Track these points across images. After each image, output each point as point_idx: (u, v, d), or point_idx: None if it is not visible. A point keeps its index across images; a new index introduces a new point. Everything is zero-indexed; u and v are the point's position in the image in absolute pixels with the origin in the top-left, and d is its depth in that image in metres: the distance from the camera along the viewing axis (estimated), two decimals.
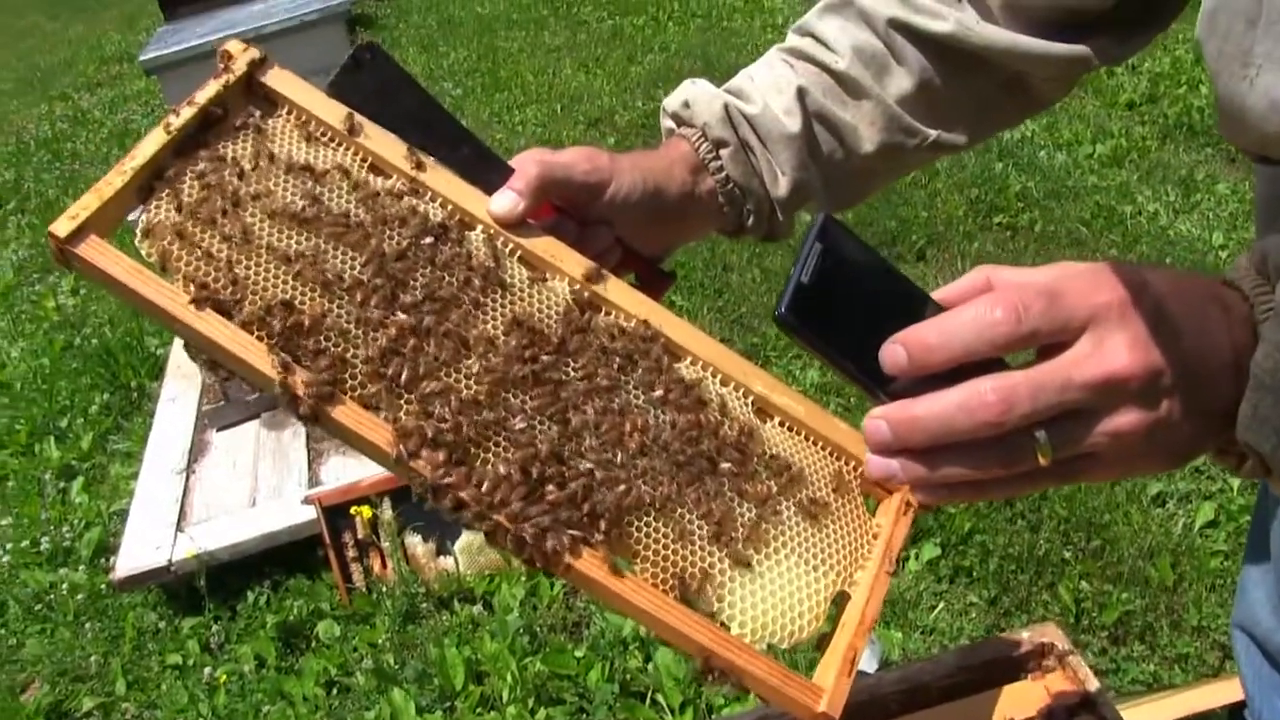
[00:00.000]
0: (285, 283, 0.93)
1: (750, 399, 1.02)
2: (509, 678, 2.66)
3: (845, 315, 0.77)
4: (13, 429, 4.27)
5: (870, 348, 0.75)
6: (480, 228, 1.01)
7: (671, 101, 1.17)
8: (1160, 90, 5.23)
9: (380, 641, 2.90)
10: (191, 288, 0.89)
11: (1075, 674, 1.27)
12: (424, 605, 2.98)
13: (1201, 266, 3.94)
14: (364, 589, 3.04)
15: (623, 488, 0.93)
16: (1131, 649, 2.64)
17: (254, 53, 1.01)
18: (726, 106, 1.13)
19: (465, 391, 0.93)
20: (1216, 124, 1.02)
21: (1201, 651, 2.60)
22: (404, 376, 0.92)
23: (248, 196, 0.96)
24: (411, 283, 0.96)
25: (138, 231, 0.92)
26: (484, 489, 0.90)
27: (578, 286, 1.01)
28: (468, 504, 0.89)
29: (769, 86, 1.14)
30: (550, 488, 0.92)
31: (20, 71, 10.28)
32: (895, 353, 0.73)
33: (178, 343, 4.26)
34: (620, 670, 2.67)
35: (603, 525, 0.92)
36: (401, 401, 0.92)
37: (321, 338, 0.91)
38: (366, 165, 1.02)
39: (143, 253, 0.91)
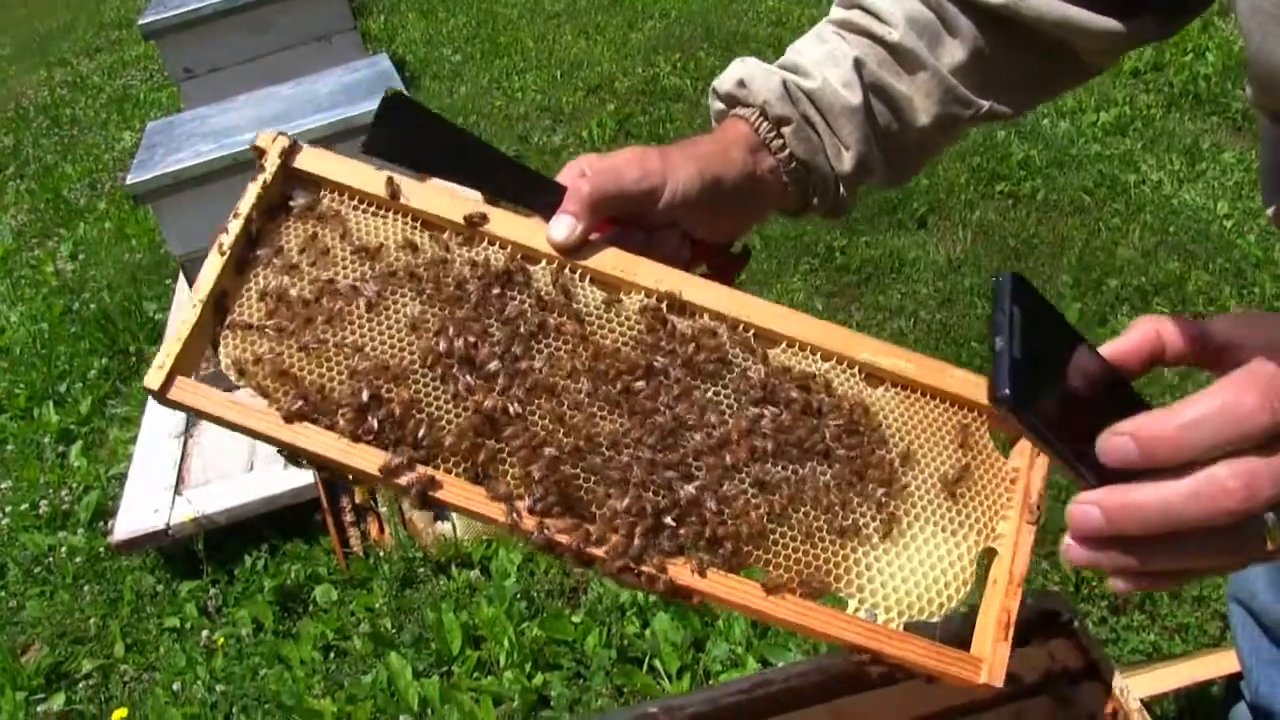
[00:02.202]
0: (369, 377, 0.93)
1: (856, 369, 0.99)
2: (506, 643, 2.66)
3: (1048, 387, 0.69)
4: (12, 393, 4.26)
5: (1071, 420, 0.68)
6: (544, 261, 0.99)
7: (724, 82, 1.13)
8: (1166, 58, 5.18)
9: (377, 606, 2.91)
10: (283, 408, 0.91)
11: (1079, 640, 1.26)
12: (421, 570, 2.98)
13: (1206, 236, 3.91)
14: (361, 554, 3.04)
15: (740, 503, 0.92)
16: (1131, 619, 2.63)
17: (283, 141, 1.00)
18: (784, 83, 1.09)
19: (565, 442, 0.93)
20: (1246, 84, 1.00)
21: (1202, 621, 2.59)
22: (501, 445, 0.92)
23: (312, 298, 0.96)
24: (489, 342, 0.95)
25: (223, 363, 0.94)
26: (604, 538, 0.91)
27: (655, 299, 0.98)
28: (593, 557, 0.90)
29: (824, 60, 1.11)
30: (669, 520, 0.91)
31: (19, 37, 10.21)
32: (1122, 447, 0.66)
33: (176, 307, 4.25)
34: (618, 636, 2.66)
35: (728, 546, 0.91)
36: (505, 467, 0.92)
37: (415, 422, 0.92)
38: (419, 225, 1.01)
39: (242, 386, 0.94)
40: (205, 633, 2.94)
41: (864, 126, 1.10)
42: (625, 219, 1.04)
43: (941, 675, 0.91)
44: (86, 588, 3.23)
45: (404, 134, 0.99)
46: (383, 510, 3.02)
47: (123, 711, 2.69)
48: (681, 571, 0.90)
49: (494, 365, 0.94)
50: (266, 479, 3.15)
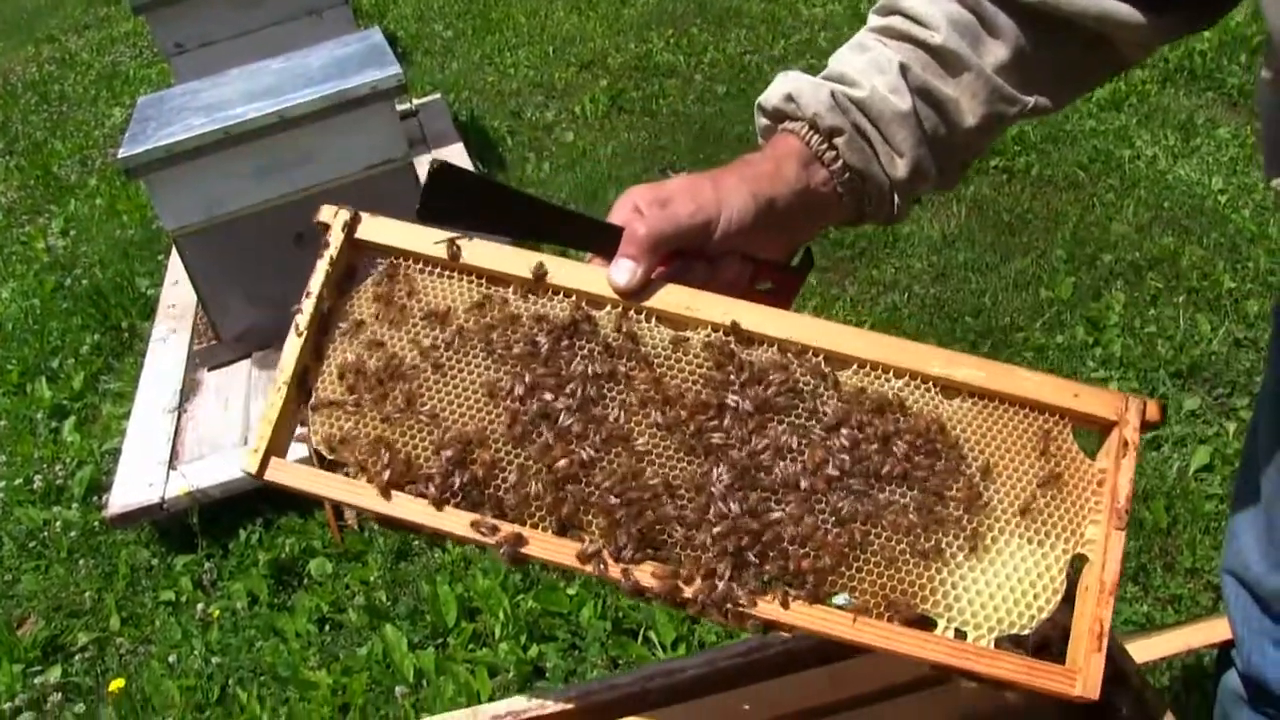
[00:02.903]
0: (450, 443, 0.98)
1: (930, 384, 0.99)
2: (501, 614, 2.67)
3: None
4: (4, 369, 4.25)
5: None
6: (609, 305, 1.01)
7: (770, 98, 1.12)
8: None
9: (372, 579, 2.91)
10: (376, 481, 0.98)
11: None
12: (415, 543, 2.98)
13: (1200, 211, 3.92)
14: (356, 527, 3.04)
15: (820, 535, 0.94)
16: (1124, 590, 2.64)
17: (344, 214, 1.03)
18: (833, 94, 1.08)
19: (645, 490, 0.96)
20: (1263, 68, 1.00)
21: (1194, 593, 2.60)
22: (583, 498, 0.96)
23: (389, 370, 1.00)
24: (562, 396, 0.98)
25: (314, 441, 1.00)
26: (690, 580, 0.94)
27: (721, 334, 0.99)
28: (682, 600, 0.94)
29: (869, 68, 1.10)
30: (751, 557, 0.94)
31: (6, 13, 10.13)
32: None
33: (169, 283, 4.24)
34: (612, 608, 2.67)
35: (811, 580, 0.94)
36: (589, 518, 0.96)
37: (498, 483, 0.98)
38: (483, 282, 1.03)
39: (341, 466, 1.00)
40: (200, 606, 2.94)
41: (917, 131, 1.09)
42: (685, 252, 1.03)
43: (1035, 688, 0.93)
44: (81, 562, 3.23)
45: (454, 200, 1.00)
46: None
47: (120, 682, 2.69)
48: (769, 607, 0.93)
49: (569, 420, 0.97)
50: None
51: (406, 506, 0.98)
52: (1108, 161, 4.31)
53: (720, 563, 0.93)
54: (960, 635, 0.94)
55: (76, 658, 2.96)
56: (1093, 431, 1.00)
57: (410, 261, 1.04)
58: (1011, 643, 0.97)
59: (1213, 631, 1.83)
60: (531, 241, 1.05)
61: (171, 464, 3.19)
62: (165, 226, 3.41)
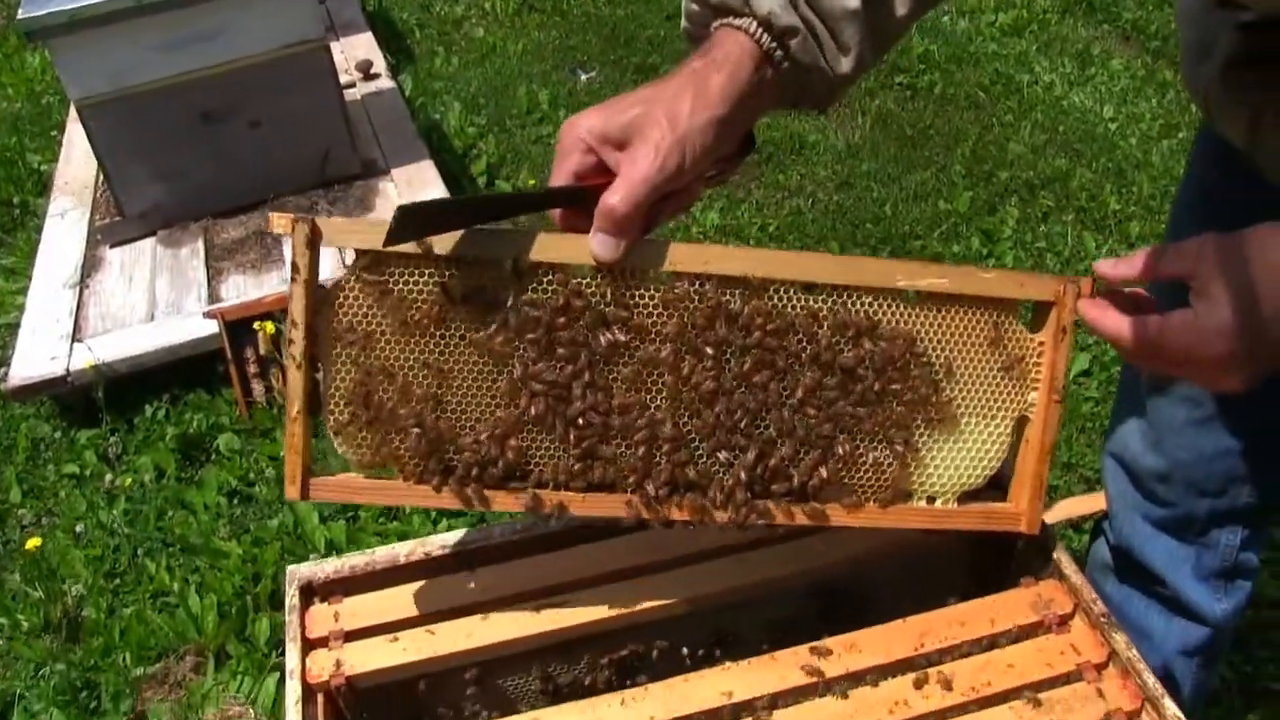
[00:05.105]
0: (477, 438, 1.04)
1: (897, 301, 1.08)
2: None
3: None
4: None
5: None
6: (591, 274, 1.03)
7: None
8: None
9: (281, 455, 2.92)
10: (425, 483, 1.05)
11: None
12: (324, 420, 2.99)
13: (1092, 137, 4.09)
14: (264, 404, 3.04)
15: (816, 455, 1.08)
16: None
17: (303, 228, 0.99)
18: None
19: (664, 446, 1.05)
20: None
21: (1069, 485, 2.79)
22: (608, 460, 1.06)
23: (397, 379, 1.03)
24: (573, 375, 1.04)
25: (350, 464, 1.08)
26: (713, 512, 1.07)
27: (706, 283, 1.04)
28: (710, 524, 1.09)
29: None
30: (760, 484, 1.08)
31: None
32: None
33: (64, 159, 4.11)
34: None
35: (812, 493, 1.09)
36: (618, 475, 1.06)
37: (531, 462, 1.06)
38: (464, 271, 1.01)
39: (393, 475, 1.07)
40: (108, 478, 2.92)
41: (864, 28, 1.10)
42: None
43: (992, 531, 1.14)
44: None
45: (421, 226, 0.99)
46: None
47: (36, 540, 2.67)
48: (782, 518, 1.09)
49: (584, 395, 1.04)
50: (169, 328, 3.12)
51: (456, 499, 1.06)
52: (1008, 85, 4.46)
53: (738, 491, 1.06)
54: (930, 500, 1.12)
55: None
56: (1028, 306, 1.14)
57: (385, 262, 1.00)
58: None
59: (1091, 504, 2.00)
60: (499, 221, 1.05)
61: (75, 338, 3.14)
62: (69, 96, 3.30)
